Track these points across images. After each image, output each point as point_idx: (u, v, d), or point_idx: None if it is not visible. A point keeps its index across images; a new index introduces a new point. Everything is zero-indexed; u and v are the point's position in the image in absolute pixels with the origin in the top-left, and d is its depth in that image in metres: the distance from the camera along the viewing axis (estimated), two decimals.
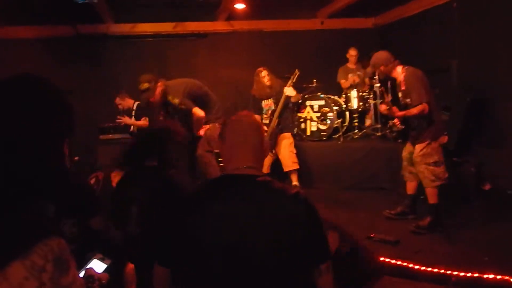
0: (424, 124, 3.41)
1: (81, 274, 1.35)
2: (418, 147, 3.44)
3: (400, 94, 3.60)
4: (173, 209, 1.35)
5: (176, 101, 3.96)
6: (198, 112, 3.98)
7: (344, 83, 5.79)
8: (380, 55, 3.57)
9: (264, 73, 4.75)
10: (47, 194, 0.91)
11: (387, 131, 4.99)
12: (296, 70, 4.81)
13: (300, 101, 5.15)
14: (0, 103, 0.92)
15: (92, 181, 3.03)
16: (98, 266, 1.42)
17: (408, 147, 3.65)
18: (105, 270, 1.43)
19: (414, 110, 3.40)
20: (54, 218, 0.95)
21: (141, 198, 1.89)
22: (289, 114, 4.90)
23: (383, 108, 3.72)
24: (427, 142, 3.40)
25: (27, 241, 0.82)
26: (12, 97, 0.92)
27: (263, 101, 4.83)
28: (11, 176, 0.87)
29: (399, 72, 3.50)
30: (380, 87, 4.88)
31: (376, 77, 4.86)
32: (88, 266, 1.40)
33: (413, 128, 3.51)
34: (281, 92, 4.68)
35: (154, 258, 1.32)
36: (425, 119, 3.40)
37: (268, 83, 4.75)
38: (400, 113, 3.53)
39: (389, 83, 4.56)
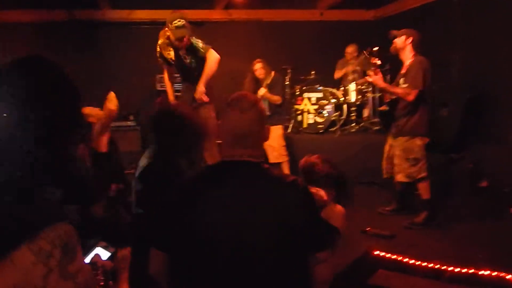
0: (408, 116, 3.35)
1: (87, 261, 1.33)
2: (400, 139, 3.41)
3: (398, 78, 3.53)
4: (169, 193, 1.32)
5: (200, 44, 3.69)
6: (215, 54, 3.66)
7: (337, 73, 5.69)
8: (412, 29, 3.45)
9: (258, 65, 4.66)
10: (52, 179, 0.88)
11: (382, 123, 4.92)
12: (272, 72, 4.73)
13: (280, 102, 4.97)
14: (8, 87, 0.89)
15: (81, 150, 2.85)
16: (102, 254, 1.39)
17: (389, 141, 3.62)
18: (109, 258, 1.41)
19: (398, 89, 3.34)
20: (61, 203, 0.92)
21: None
22: (280, 107, 4.82)
23: (371, 74, 3.52)
24: (408, 137, 3.37)
25: (33, 225, 0.80)
26: (20, 81, 0.90)
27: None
28: (16, 160, 0.84)
29: (408, 56, 3.43)
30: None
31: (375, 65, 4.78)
32: (92, 254, 1.38)
33: (397, 117, 3.45)
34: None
35: (150, 241, 1.29)
36: (408, 109, 3.34)
37: (260, 76, 4.70)
38: (383, 84, 3.46)
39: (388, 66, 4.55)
